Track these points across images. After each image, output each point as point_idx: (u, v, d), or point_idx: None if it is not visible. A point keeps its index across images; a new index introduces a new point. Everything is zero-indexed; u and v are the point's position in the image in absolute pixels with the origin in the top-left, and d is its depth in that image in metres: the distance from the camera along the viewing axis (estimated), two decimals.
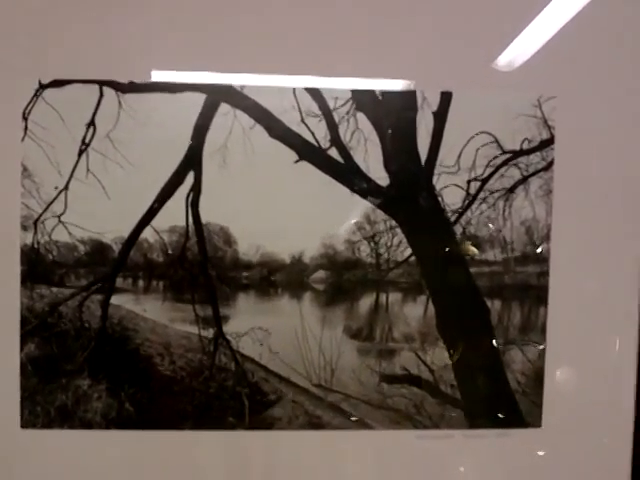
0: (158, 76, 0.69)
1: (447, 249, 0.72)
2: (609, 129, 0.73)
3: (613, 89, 0.73)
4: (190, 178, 0.69)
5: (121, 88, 0.69)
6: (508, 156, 0.72)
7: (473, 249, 0.72)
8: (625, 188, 0.73)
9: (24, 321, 0.68)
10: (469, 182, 0.71)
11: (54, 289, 0.69)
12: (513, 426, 0.73)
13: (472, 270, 0.71)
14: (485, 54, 0.72)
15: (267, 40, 0.70)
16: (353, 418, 0.71)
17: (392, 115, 0.71)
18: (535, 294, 0.72)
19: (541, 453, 0.73)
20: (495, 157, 0.72)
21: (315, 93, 0.69)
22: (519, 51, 0.72)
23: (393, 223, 0.71)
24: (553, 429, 0.73)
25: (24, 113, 0.67)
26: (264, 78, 0.70)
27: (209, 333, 0.70)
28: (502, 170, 0.72)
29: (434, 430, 0.72)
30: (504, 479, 0.73)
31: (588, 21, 0.72)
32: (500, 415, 0.72)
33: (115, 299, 0.69)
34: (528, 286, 0.72)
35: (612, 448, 0.74)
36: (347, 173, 0.70)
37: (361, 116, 0.70)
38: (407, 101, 0.71)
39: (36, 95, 0.67)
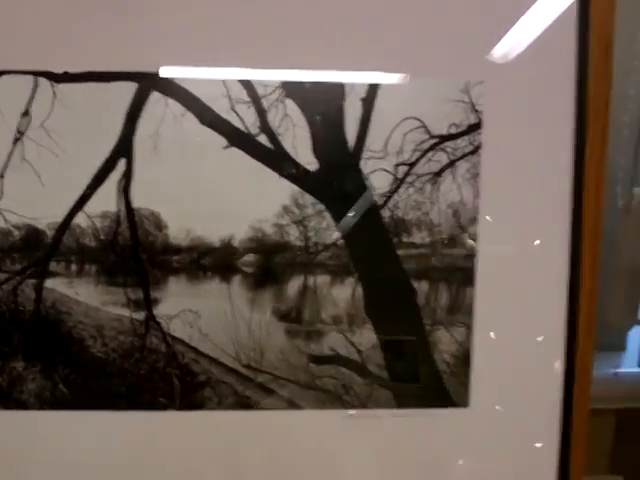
0: (91, 66, 0.71)
1: (375, 232, 0.73)
2: (535, 114, 0.75)
3: (539, 74, 0.74)
4: (122, 165, 0.71)
5: (55, 78, 0.70)
6: (436, 141, 0.74)
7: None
8: (549, 172, 0.74)
9: None
10: (397, 166, 0.73)
11: None
12: (441, 406, 0.75)
13: (400, 252, 0.73)
14: (413, 40, 0.73)
15: (197, 31, 0.71)
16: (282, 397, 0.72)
17: (320, 102, 0.73)
18: (462, 276, 0.74)
19: (469, 432, 0.74)
20: (423, 142, 0.74)
21: (245, 81, 0.71)
22: (447, 37, 0.73)
23: (322, 207, 0.72)
24: (480, 409, 0.75)
25: None
26: (195, 70, 0.71)
27: (140, 316, 0.72)
28: (430, 154, 0.74)
29: (362, 410, 0.74)
30: (432, 458, 0.75)
31: (513, 6, 0.73)
32: (428, 395, 0.74)
33: (49, 283, 0.72)
34: (455, 268, 0.74)
35: (539, 428, 0.75)
36: (276, 158, 0.72)
37: (290, 103, 0.73)
38: (335, 88, 0.72)
39: None
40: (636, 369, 1.06)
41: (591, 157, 0.77)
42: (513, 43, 0.75)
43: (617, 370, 1.04)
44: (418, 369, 0.75)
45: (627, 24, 0.99)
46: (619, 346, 1.09)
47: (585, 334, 0.77)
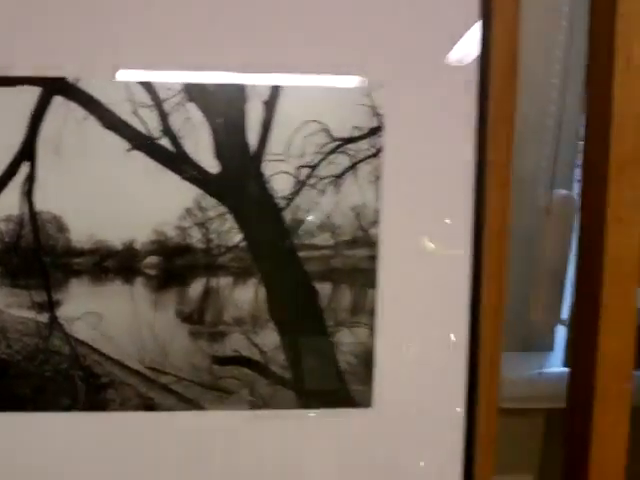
0: None
1: (277, 234, 0.73)
2: (437, 116, 0.75)
3: (442, 77, 0.75)
4: (25, 168, 0.72)
5: None
6: (338, 144, 0.74)
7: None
8: (452, 175, 0.75)
9: None
10: (299, 169, 0.73)
11: None
12: (344, 406, 0.75)
13: (302, 254, 0.74)
14: (315, 43, 0.74)
15: (100, 34, 0.72)
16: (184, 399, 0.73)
17: (222, 104, 0.73)
18: (364, 277, 0.74)
19: (372, 432, 0.75)
20: (325, 144, 0.74)
21: (147, 85, 0.72)
22: (349, 40, 0.74)
23: (224, 209, 0.73)
24: (383, 409, 0.76)
25: None
26: (97, 74, 0.72)
27: (44, 318, 0.73)
28: (331, 157, 0.74)
29: (266, 410, 0.74)
30: (336, 458, 0.76)
31: (415, 8, 0.74)
32: (331, 395, 0.75)
33: None
34: (357, 269, 0.74)
35: (443, 428, 0.76)
36: (178, 161, 0.73)
37: (192, 106, 0.73)
38: (237, 90, 0.73)
39: None
40: (562, 369, 1.07)
41: (495, 159, 0.77)
42: (414, 46, 0.76)
43: (542, 370, 1.05)
44: (321, 370, 0.76)
45: (545, 27, 1.00)
46: (546, 346, 1.10)
47: (490, 332, 0.78)
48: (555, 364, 1.09)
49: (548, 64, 1.01)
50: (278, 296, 0.76)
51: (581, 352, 0.86)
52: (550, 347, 1.11)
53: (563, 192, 0.95)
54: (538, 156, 1.02)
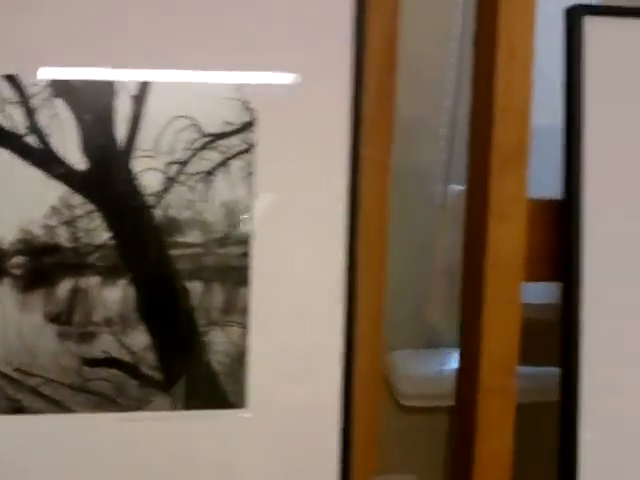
0: None
1: (146, 232, 0.72)
2: (311, 112, 0.75)
3: (313, 74, 0.74)
4: None
5: None
6: (208, 139, 0.73)
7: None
8: (325, 171, 0.74)
9: None
10: (168, 165, 0.72)
11: None
12: (217, 407, 0.74)
13: (173, 252, 0.73)
14: (185, 38, 0.73)
15: None
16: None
17: (90, 100, 0.72)
18: (236, 275, 0.73)
19: (246, 433, 0.74)
20: (195, 140, 0.73)
21: (13, 80, 0.70)
22: (219, 34, 0.73)
23: (92, 207, 0.72)
24: (258, 409, 0.75)
25: None
26: None
27: None
28: (202, 153, 0.73)
29: (137, 412, 0.73)
30: (210, 461, 0.74)
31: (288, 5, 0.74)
32: (204, 396, 0.74)
33: None
34: (229, 267, 0.73)
35: (319, 428, 0.75)
36: (45, 159, 0.72)
37: (59, 102, 0.72)
38: (105, 87, 0.71)
39: None
40: None
41: (372, 155, 0.77)
42: (286, 39, 0.75)
43: (444, 368, 1.04)
44: (193, 371, 0.75)
45: (440, 21, 1.00)
46: (448, 343, 1.09)
47: (367, 332, 0.77)
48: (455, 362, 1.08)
49: (443, 57, 1.01)
50: (148, 295, 0.75)
51: (466, 349, 0.86)
52: (453, 344, 1.10)
53: (459, 188, 0.95)
54: (434, 152, 1.02)
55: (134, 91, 0.74)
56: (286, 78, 0.77)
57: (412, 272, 1.04)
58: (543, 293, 0.88)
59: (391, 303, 1.02)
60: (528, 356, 0.86)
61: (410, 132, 1.04)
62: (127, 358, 0.75)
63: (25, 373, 0.74)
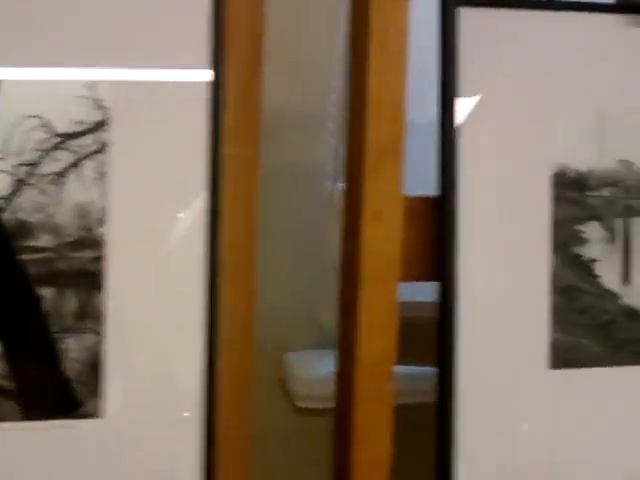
0: None
1: None
2: (167, 110, 0.72)
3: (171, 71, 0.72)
4: None
5: None
6: (59, 140, 0.70)
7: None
8: (183, 169, 0.72)
9: None
10: (17, 167, 0.69)
11: None
12: (72, 417, 0.71)
13: (24, 257, 0.70)
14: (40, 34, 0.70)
15: None
16: None
17: None
18: (90, 279, 0.71)
19: (103, 443, 0.71)
20: (45, 140, 0.70)
21: None
22: (75, 31, 0.70)
23: None
24: (114, 419, 0.72)
25: None
26: None
27: None
28: (53, 154, 0.70)
29: None
30: (64, 472, 0.72)
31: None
32: (57, 406, 0.71)
33: None
34: (83, 272, 0.71)
35: (178, 438, 0.73)
36: None
37: None
38: None
39: None
40: None
41: (234, 152, 0.75)
42: (142, 36, 0.73)
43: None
44: (46, 379, 0.72)
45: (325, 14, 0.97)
46: None
47: (232, 336, 0.75)
48: None
49: (329, 50, 0.98)
50: None
51: (343, 352, 0.84)
52: None
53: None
54: (323, 148, 0.99)
55: None
56: (142, 75, 0.74)
57: (307, 272, 1.01)
58: (426, 290, 0.86)
59: (286, 304, 1.00)
60: (409, 356, 0.84)
61: (306, 129, 1.02)
62: None
63: None
